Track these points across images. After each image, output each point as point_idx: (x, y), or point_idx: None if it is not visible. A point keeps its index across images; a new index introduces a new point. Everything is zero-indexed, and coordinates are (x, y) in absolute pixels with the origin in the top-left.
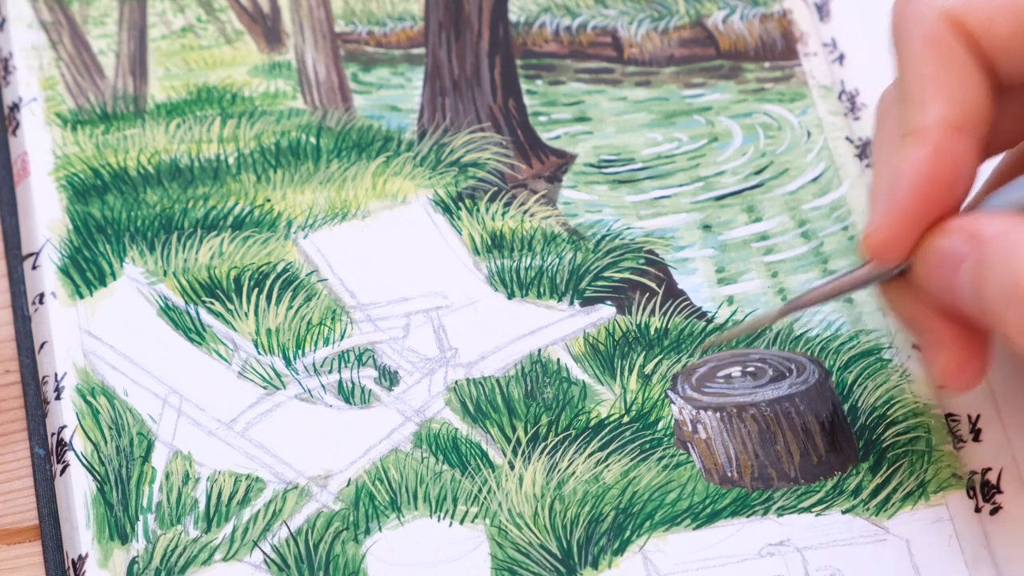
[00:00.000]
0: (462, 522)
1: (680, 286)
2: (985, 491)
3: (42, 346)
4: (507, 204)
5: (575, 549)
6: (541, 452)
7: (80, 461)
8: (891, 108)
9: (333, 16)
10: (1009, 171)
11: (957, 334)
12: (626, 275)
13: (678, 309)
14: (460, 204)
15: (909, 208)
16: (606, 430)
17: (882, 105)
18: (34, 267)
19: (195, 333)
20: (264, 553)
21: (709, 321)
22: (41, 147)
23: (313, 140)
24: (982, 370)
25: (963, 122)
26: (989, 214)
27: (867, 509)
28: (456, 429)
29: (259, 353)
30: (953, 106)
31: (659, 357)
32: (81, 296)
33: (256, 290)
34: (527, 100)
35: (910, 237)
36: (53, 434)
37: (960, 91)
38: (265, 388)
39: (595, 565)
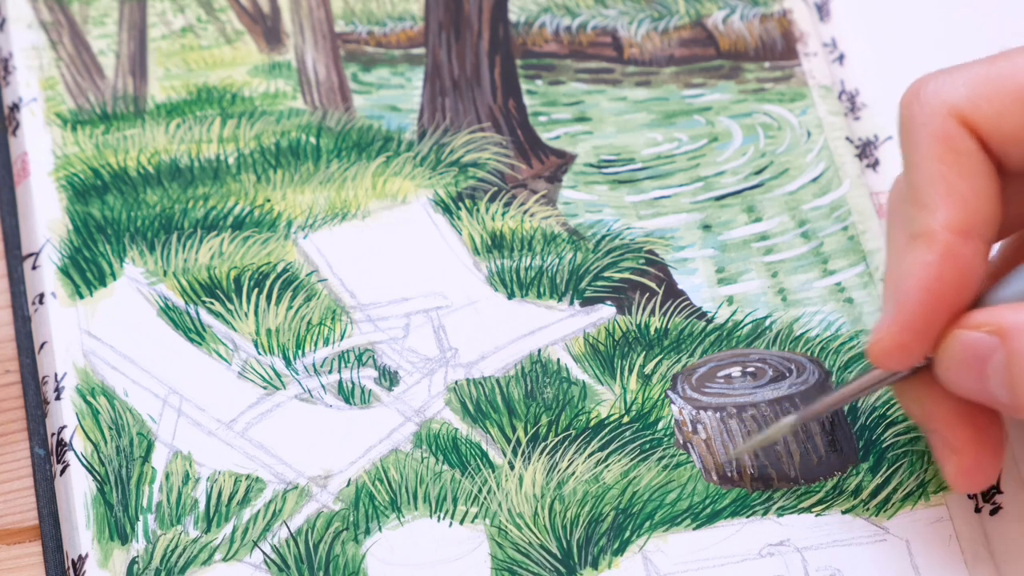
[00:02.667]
0: (462, 522)
1: (680, 286)
2: (985, 491)
3: (42, 346)
4: (507, 204)
5: (575, 549)
6: (541, 452)
7: (80, 461)
8: (901, 202)
9: (333, 16)
10: (1013, 256)
11: (971, 435)
12: (626, 275)
13: (678, 309)
14: (460, 204)
15: (916, 314)
16: (606, 430)
17: (892, 199)
18: (34, 267)
19: (195, 333)
20: (264, 553)
21: (709, 321)
22: (41, 147)
23: (313, 140)
24: (995, 471)
25: (972, 225)
26: (1009, 306)
27: (867, 509)
28: (456, 429)
29: (259, 353)
30: (961, 209)
31: (659, 357)
32: (81, 296)
33: (256, 290)
34: (527, 100)
35: (918, 344)
36: (53, 434)
37: (969, 192)
38: (265, 388)
39: (595, 565)
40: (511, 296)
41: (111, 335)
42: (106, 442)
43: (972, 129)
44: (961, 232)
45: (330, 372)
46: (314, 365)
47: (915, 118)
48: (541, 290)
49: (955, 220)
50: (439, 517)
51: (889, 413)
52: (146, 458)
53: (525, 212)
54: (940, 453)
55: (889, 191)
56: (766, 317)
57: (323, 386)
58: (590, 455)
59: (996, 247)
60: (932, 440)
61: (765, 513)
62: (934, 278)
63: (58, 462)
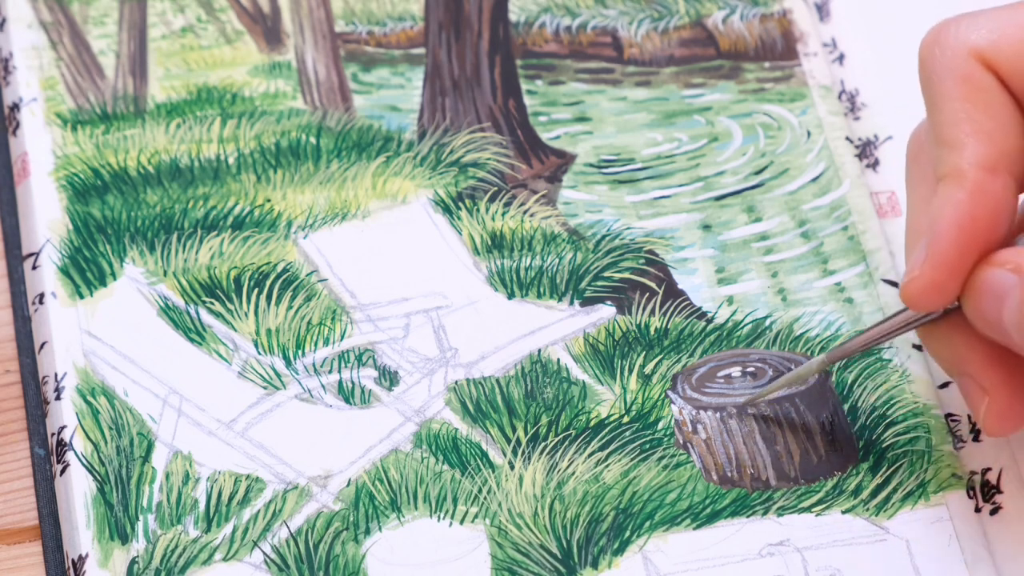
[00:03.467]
0: (462, 522)
1: (680, 286)
2: (985, 491)
3: (42, 346)
4: (507, 204)
5: (575, 549)
6: (541, 452)
7: (80, 461)
8: (921, 149)
9: (333, 16)
10: None
11: (1003, 377)
12: (626, 275)
13: (678, 309)
14: (460, 204)
15: (949, 252)
16: (606, 430)
17: (912, 146)
18: (34, 267)
19: (195, 333)
20: (264, 553)
21: (709, 321)
22: (41, 147)
23: (313, 140)
24: None
25: (999, 161)
26: None
27: (867, 509)
28: (456, 429)
29: (259, 353)
30: (988, 145)
31: (659, 357)
32: (81, 296)
33: (256, 290)
34: (527, 100)
35: (951, 282)
36: (53, 434)
37: (994, 129)
38: (265, 388)
39: (595, 565)
40: (511, 296)
41: (111, 335)
42: (106, 442)
43: (993, 70)
44: (989, 168)
45: (330, 372)
46: (314, 365)
47: (937, 61)
48: (541, 290)
49: (982, 156)
50: (439, 517)
51: (889, 413)
52: (146, 458)
53: (525, 212)
54: (972, 397)
55: (908, 140)
56: (766, 317)
57: (323, 386)
58: (590, 455)
59: None
60: (963, 384)
61: (765, 513)
62: (965, 215)
63: (58, 462)
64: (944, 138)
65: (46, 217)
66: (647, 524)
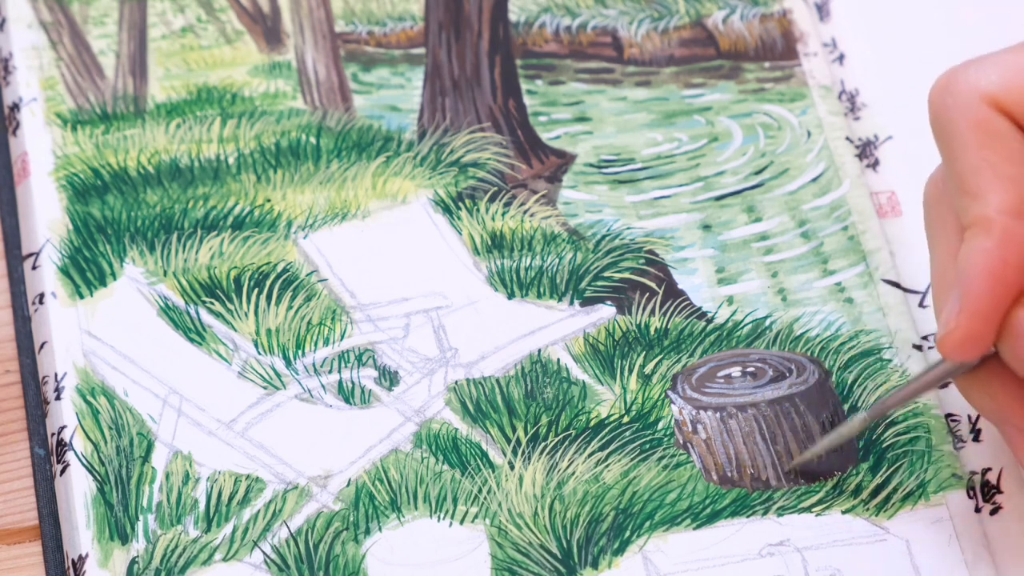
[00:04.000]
0: (462, 522)
1: (680, 286)
2: (985, 491)
3: (42, 346)
4: (507, 204)
5: (575, 549)
6: (541, 452)
7: (80, 461)
8: (940, 198)
9: (333, 16)
10: None
11: None
12: (626, 275)
13: (678, 309)
14: (460, 204)
15: (983, 301)
16: (606, 430)
17: (930, 194)
18: (34, 267)
19: (195, 333)
20: (264, 553)
21: (709, 321)
22: (41, 147)
23: (313, 140)
24: None
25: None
26: None
27: (867, 509)
28: (456, 429)
29: (259, 353)
30: (1011, 190)
31: (659, 357)
32: (81, 296)
33: (256, 290)
34: (527, 100)
35: (988, 330)
36: (53, 434)
37: (1016, 173)
38: (265, 388)
39: (595, 565)
40: (511, 296)
41: (111, 335)
42: (106, 442)
43: (1007, 114)
44: (1015, 213)
45: (330, 372)
46: (314, 365)
47: (949, 110)
48: (541, 290)
49: (1007, 202)
50: (439, 517)
51: (889, 413)
52: (146, 458)
53: (525, 212)
54: (1016, 443)
55: (925, 188)
56: (766, 317)
57: (323, 386)
58: (590, 455)
59: None
60: (1006, 433)
61: (765, 513)
62: (997, 262)
63: (58, 462)
64: (966, 187)
65: (46, 217)
66: (647, 524)
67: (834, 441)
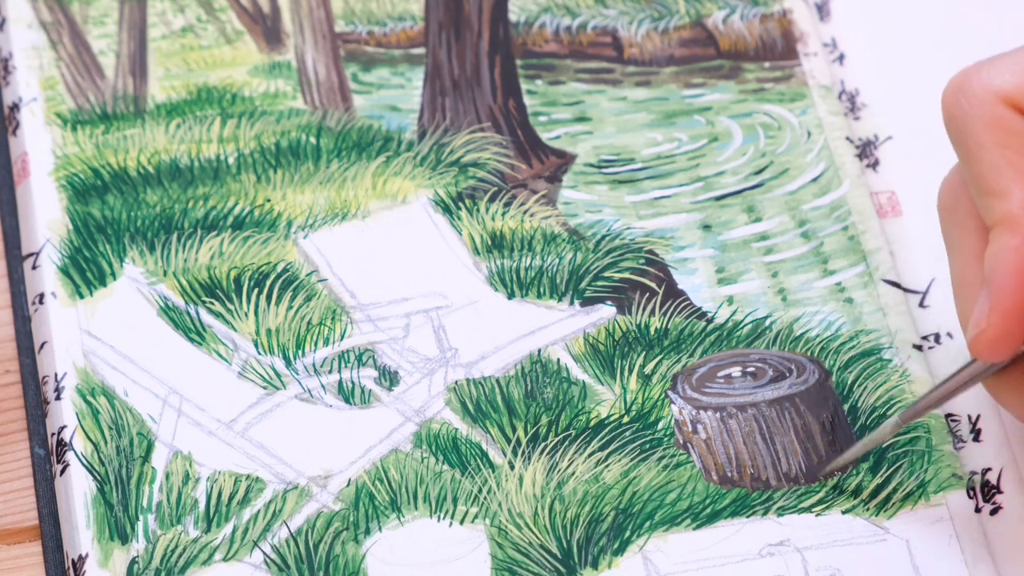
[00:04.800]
0: (462, 522)
1: (680, 286)
2: (985, 491)
3: (42, 346)
4: (507, 204)
5: (575, 549)
6: (541, 452)
7: (80, 461)
8: (957, 200)
9: (333, 16)
10: None
11: None
12: (626, 275)
13: (678, 309)
14: (460, 204)
15: (1013, 299)
16: (606, 430)
17: (946, 197)
18: (34, 267)
19: (195, 333)
20: (264, 553)
21: (709, 321)
22: (41, 147)
23: (313, 140)
24: None
25: None
26: None
27: (867, 509)
28: (456, 429)
29: (259, 353)
30: None
31: (659, 357)
32: (81, 296)
33: (256, 290)
34: (527, 100)
35: (1020, 329)
36: (53, 434)
37: None
38: (265, 388)
39: (595, 565)
40: (511, 296)
41: (111, 335)
42: (106, 442)
43: (1022, 112)
44: None
45: (330, 372)
46: (314, 365)
47: (965, 111)
48: (541, 290)
49: None
50: (439, 517)
51: (889, 413)
52: (146, 458)
53: (525, 212)
54: None
55: (939, 191)
56: (766, 317)
57: (323, 386)
58: (590, 455)
59: None
60: None
61: (765, 513)
62: None
63: (58, 462)
64: (988, 187)
65: (46, 217)
66: (647, 524)
67: (867, 446)
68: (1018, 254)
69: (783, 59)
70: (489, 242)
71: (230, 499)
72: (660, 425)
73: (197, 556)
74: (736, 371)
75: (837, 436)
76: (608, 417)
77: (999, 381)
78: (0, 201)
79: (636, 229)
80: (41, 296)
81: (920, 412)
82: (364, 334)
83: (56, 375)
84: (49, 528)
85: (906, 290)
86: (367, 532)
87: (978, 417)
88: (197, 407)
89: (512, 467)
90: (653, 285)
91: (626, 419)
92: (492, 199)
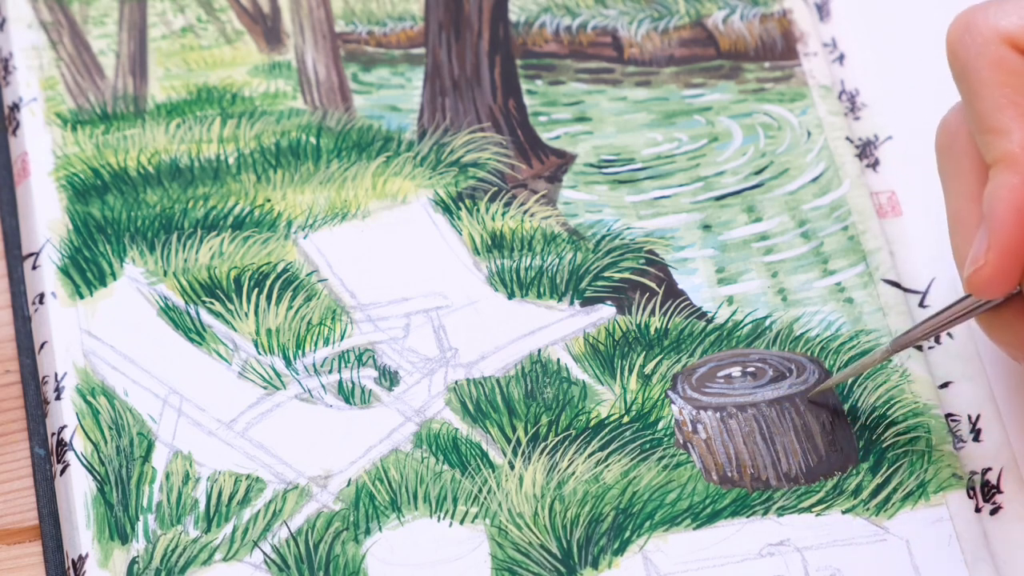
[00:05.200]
0: (462, 522)
1: (680, 286)
2: (985, 491)
3: (42, 346)
4: (507, 204)
5: (575, 549)
6: (541, 452)
7: (80, 461)
8: (954, 139)
9: (333, 16)
10: None
11: None
12: (626, 275)
13: (678, 309)
14: (460, 204)
15: (1012, 237)
16: (606, 430)
17: (943, 137)
18: (34, 267)
19: (195, 333)
20: (264, 553)
21: (709, 321)
22: (41, 147)
23: (313, 140)
24: None
25: None
26: None
27: (867, 509)
28: (456, 429)
29: (259, 353)
30: None
31: (659, 357)
32: (81, 296)
33: (256, 290)
34: (527, 100)
35: (1017, 266)
36: (53, 434)
37: None
38: (265, 388)
39: (595, 565)
40: (511, 296)
41: (111, 335)
42: (106, 442)
43: None
44: None
45: (330, 372)
46: (314, 365)
47: (969, 49)
48: (541, 290)
49: None
50: (439, 517)
51: (889, 413)
52: (146, 458)
53: (525, 212)
54: None
55: (937, 131)
56: (766, 317)
57: (323, 386)
58: (590, 455)
59: None
60: None
61: (765, 513)
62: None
63: (58, 462)
64: (989, 125)
65: (46, 217)
66: (647, 524)
67: (857, 371)
68: (1017, 192)
69: (783, 59)
70: (489, 242)
71: (230, 499)
72: (660, 425)
73: (197, 556)
74: (736, 371)
75: (837, 436)
76: (608, 417)
77: (992, 318)
78: (0, 201)
79: (636, 229)
80: (41, 296)
81: (911, 342)
82: (364, 334)
83: (56, 375)
84: (49, 528)
85: (906, 290)
86: (367, 532)
87: (978, 417)
88: (197, 407)
89: (512, 467)
90: (653, 285)
91: (626, 419)
92: (492, 199)
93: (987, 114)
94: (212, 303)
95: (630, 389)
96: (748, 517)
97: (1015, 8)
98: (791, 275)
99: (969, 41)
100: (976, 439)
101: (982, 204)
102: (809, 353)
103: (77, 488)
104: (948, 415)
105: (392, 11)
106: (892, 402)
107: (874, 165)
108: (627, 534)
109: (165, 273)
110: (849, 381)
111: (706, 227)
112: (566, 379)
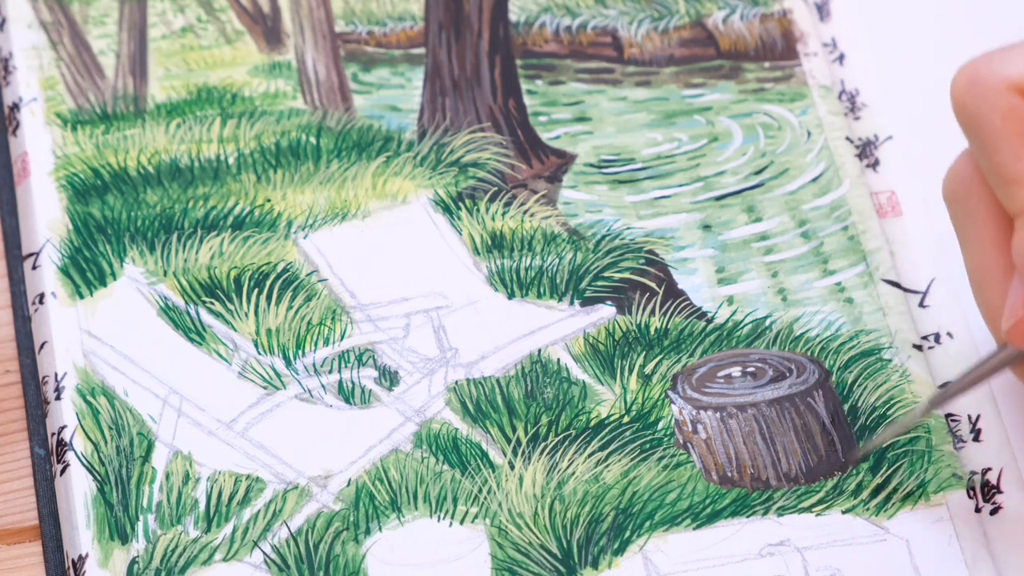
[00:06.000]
0: (462, 522)
1: (680, 286)
2: (985, 491)
3: (42, 346)
4: (507, 204)
5: (575, 549)
6: (541, 452)
7: (80, 461)
8: (969, 190)
9: (333, 16)
10: None
11: None
12: (626, 275)
13: (678, 309)
14: (460, 204)
15: None
16: (606, 430)
17: (954, 188)
18: (34, 267)
19: (195, 333)
20: (264, 553)
21: (709, 321)
22: (41, 147)
23: (313, 140)
24: None
25: None
26: None
27: (867, 509)
28: (456, 429)
29: (259, 353)
30: None
31: (659, 357)
32: (81, 296)
33: (256, 290)
34: (527, 100)
35: None
36: (53, 434)
37: None
38: (265, 388)
39: (595, 565)
40: (511, 296)
41: (111, 335)
42: (106, 442)
43: None
44: None
45: (330, 372)
46: (314, 365)
47: (978, 101)
48: (541, 290)
49: None
50: (439, 517)
51: (889, 413)
52: (146, 458)
53: (525, 212)
54: None
55: (946, 182)
56: (766, 317)
57: (323, 386)
58: (590, 455)
59: None
60: None
61: (765, 513)
62: None
63: (58, 462)
64: (1010, 175)
65: (46, 217)
66: (647, 524)
67: (897, 431)
68: None
69: (783, 59)
70: (489, 242)
71: (230, 499)
72: (660, 425)
73: (197, 556)
74: (736, 371)
75: (837, 436)
76: (608, 417)
77: None
78: (0, 201)
79: (636, 229)
80: (41, 296)
81: (949, 397)
82: (364, 334)
83: (56, 375)
84: (49, 528)
85: (906, 290)
86: (367, 532)
87: (978, 417)
88: (197, 407)
89: (512, 467)
90: (653, 285)
91: (626, 419)
92: (492, 199)
93: (1006, 165)
94: (212, 303)
95: (630, 389)
96: (748, 517)
97: (1020, 56)
98: (791, 275)
99: (977, 93)
100: (976, 439)
101: (1010, 253)
102: (809, 353)
103: (77, 488)
104: (948, 415)
105: (392, 11)
106: (892, 402)
107: (874, 165)
108: (627, 534)
109: (165, 273)
110: (849, 380)
111: (706, 227)
112: (566, 379)
